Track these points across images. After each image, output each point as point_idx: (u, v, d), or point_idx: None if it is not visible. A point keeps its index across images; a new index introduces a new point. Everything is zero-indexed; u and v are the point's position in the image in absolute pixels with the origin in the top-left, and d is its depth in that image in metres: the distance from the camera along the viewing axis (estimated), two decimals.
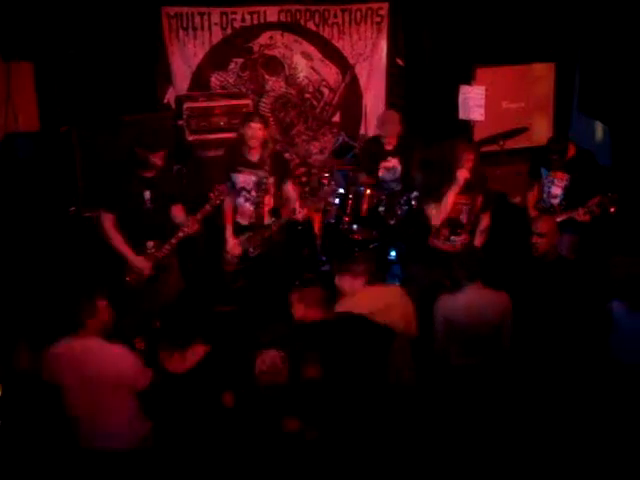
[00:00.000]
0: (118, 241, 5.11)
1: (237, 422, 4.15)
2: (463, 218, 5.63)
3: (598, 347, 4.68)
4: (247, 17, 7.49)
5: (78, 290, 4.22)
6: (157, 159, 5.09)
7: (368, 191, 6.35)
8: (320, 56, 7.85)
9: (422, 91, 7.93)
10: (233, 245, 5.66)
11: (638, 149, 7.04)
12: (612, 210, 5.51)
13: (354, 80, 8.00)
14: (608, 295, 4.67)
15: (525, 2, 7.69)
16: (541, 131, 7.63)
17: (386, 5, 7.84)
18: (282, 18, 7.60)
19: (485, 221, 5.72)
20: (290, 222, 5.75)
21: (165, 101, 7.35)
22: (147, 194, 5.13)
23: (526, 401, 4.67)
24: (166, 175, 5.30)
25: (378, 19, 7.88)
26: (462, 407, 4.58)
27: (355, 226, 6.39)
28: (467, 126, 7.41)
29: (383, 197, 6.37)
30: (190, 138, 6.85)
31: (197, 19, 7.34)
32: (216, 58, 7.51)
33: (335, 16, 7.75)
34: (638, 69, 6.93)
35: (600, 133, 7.80)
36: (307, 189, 7.20)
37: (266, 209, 5.66)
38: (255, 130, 5.54)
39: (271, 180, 5.64)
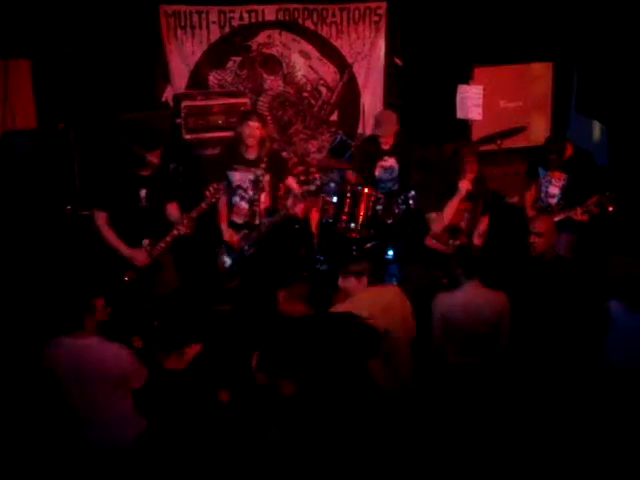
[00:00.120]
0: (111, 236, 5.10)
1: (233, 419, 4.15)
2: (463, 224, 5.67)
3: (595, 346, 4.68)
4: (245, 16, 7.48)
5: (75, 288, 4.20)
6: (154, 157, 5.08)
7: (366, 190, 6.35)
8: (318, 55, 7.84)
9: (420, 90, 7.92)
10: (230, 235, 5.65)
11: (636, 149, 7.04)
12: (610, 209, 5.52)
13: (352, 79, 7.99)
14: (606, 294, 4.67)
15: (523, 2, 7.69)
16: (539, 131, 7.62)
17: (384, 4, 7.83)
18: (280, 17, 7.58)
19: (483, 224, 5.76)
20: (287, 220, 5.75)
21: (163, 99, 7.34)
22: (143, 192, 5.13)
23: (523, 400, 4.68)
24: (162, 173, 5.29)
25: (376, 18, 7.87)
26: (459, 405, 4.58)
27: (352, 225, 6.39)
28: (465, 125, 7.41)
29: (381, 196, 6.36)
30: (187, 136, 6.85)
31: (195, 17, 7.33)
32: (214, 56, 7.50)
33: (333, 15, 7.74)
34: (636, 69, 6.93)
35: (598, 133, 7.81)
36: (305, 187, 7.17)
37: (262, 207, 5.66)
38: (253, 129, 5.54)
39: (267, 178, 5.63)
